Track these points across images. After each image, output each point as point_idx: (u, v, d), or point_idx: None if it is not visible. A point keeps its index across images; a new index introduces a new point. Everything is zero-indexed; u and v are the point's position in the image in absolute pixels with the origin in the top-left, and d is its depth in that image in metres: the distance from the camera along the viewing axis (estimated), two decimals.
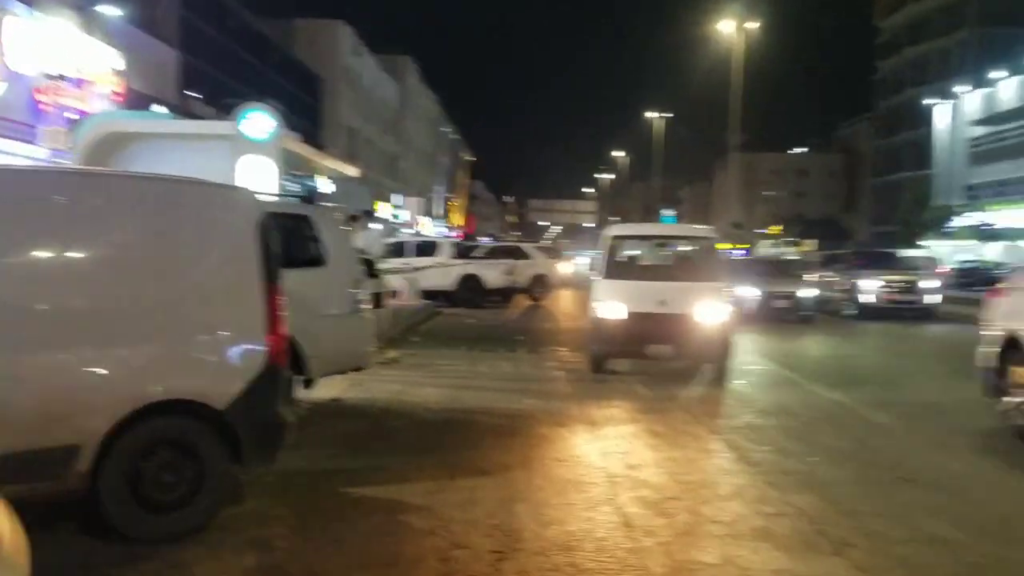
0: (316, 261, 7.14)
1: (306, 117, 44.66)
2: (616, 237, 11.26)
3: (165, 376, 4.39)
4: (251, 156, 10.00)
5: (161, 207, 4.51)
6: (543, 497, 5.32)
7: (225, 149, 10.55)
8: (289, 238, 7.36)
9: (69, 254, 4.27)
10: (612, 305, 10.23)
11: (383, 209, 51.09)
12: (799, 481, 5.81)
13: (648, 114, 68.38)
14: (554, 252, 29.26)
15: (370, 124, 59.81)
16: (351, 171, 18.26)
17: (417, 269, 21.24)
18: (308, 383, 7.20)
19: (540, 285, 24.94)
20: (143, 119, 12.76)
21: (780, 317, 18.02)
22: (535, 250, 26.56)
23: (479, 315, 19.88)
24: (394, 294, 20.16)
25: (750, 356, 12.44)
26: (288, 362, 4.84)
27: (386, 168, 65.22)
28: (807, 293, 18.77)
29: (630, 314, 10.11)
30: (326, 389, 8.39)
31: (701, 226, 12.08)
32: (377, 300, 8.12)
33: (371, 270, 8.25)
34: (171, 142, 11.73)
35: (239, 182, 9.98)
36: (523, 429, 7.23)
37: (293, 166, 14.23)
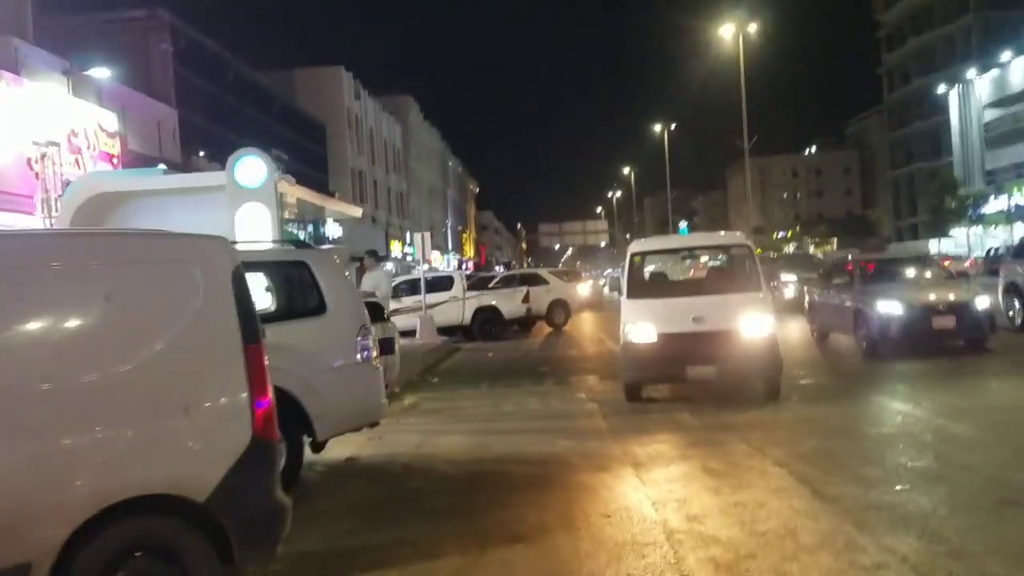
0: (317, 310, 6.44)
1: (312, 164, 44.56)
2: (638, 253, 10.48)
3: (130, 467, 3.65)
4: (248, 205, 9.39)
5: (114, 266, 3.82)
6: (594, 567, 4.50)
7: (221, 200, 9.95)
8: (287, 287, 6.70)
9: (3, 326, 3.57)
10: (642, 327, 9.44)
11: (396, 248, 50.81)
12: (890, 518, 4.95)
13: (655, 127, 67.70)
14: (572, 275, 28.50)
15: (376, 165, 59.75)
16: (355, 211, 17.71)
17: (431, 306, 20.54)
18: (318, 446, 6.44)
19: (560, 310, 24.15)
20: (132, 177, 12.20)
21: (942, 341, 12.02)
22: (552, 275, 25.80)
23: (499, 348, 19.12)
24: (415, 333, 19.50)
25: None
26: (279, 434, 4.09)
27: (396, 207, 65.06)
28: (983, 303, 12.17)
29: (662, 335, 9.31)
30: (341, 447, 7.63)
31: (732, 232, 11.23)
32: (387, 346, 7.38)
33: (378, 313, 7.53)
34: (164, 198, 11.17)
35: (237, 233, 9.37)
36: (560, 478, 6.42)
37: (295, 211, 13.64)
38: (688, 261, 11.67)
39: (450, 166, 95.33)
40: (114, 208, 11.09)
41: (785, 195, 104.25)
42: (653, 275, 11.22)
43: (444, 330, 21.07)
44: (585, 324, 26.39)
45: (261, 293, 7.52)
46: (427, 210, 75.95)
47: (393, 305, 21.71)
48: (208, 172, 12.29)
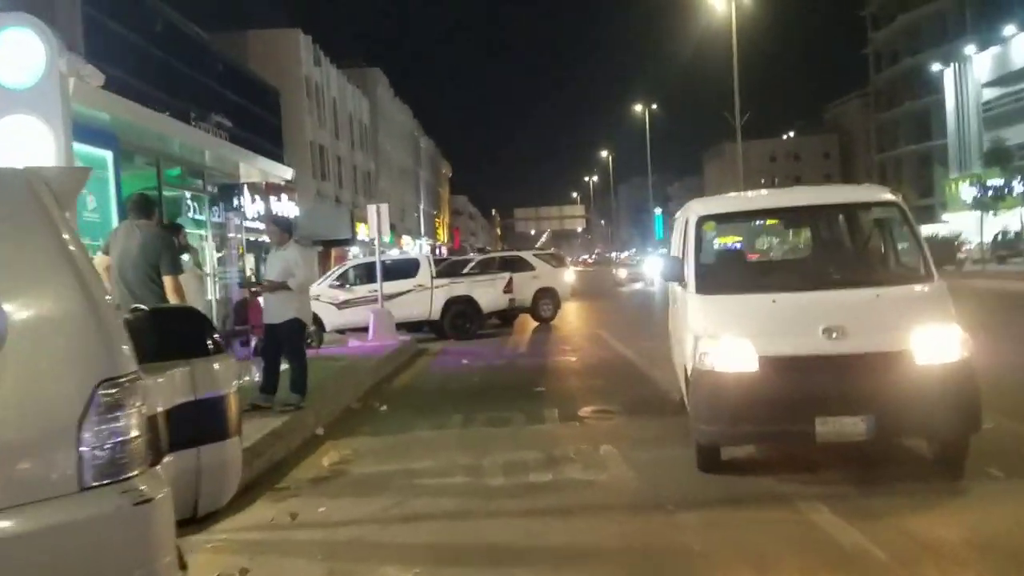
0: None
1: (264, 135, 39.82)
2: (709, 217, 6.31)
3: None
4: (10, 119, 5.08)
5: None
6: None
7: None
8: None
9: None
10: (731, 346, 5.31)
11: (363, 231, 46.41)
12: None
13: (634, 109, 64.27)
14: (559, 260, 24.36)
15: (340, 140, 54.92)
16: (283, 172, 13.37)
17: (391, 296, 16.28)
18: None
19: (547, 301, 20.04)
20: None
21: None
22: (537, 259, 21.61)
23: (476, 350, 14.93)
24: (368, 331, 15.30)
25: None
26: None
27: (362, 186, 60.32)
28: None
29: (769, 361, 5.21)
30: None
31: (868, 185, 7.03)
32: (204, 423, 2.96)
33: (188, 337, 3.12)
34: None
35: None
36: None
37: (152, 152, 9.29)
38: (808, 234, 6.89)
39: (422, 147, 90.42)
40: None
41: (763, 180, 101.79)
42: (733, 255, 7.07)
43: (408, 325, 16.89)
44: (574, 317, 22.33)
45: None
46: (397, 192, 71.14)
47: (343, 296, 17.46)
48: None
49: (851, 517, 4.59)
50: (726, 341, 5.35)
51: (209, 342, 2.92)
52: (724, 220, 6.67)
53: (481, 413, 8.55)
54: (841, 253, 6.36)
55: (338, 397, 9.42)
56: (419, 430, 7.96)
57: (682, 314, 6.15)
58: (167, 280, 5.85)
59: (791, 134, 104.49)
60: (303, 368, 7.91)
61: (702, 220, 6.18)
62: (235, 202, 12.74)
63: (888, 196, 5.99)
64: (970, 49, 57.24)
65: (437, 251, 70.40)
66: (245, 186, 20.34)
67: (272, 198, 27.95)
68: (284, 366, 8.05)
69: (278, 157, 36.30)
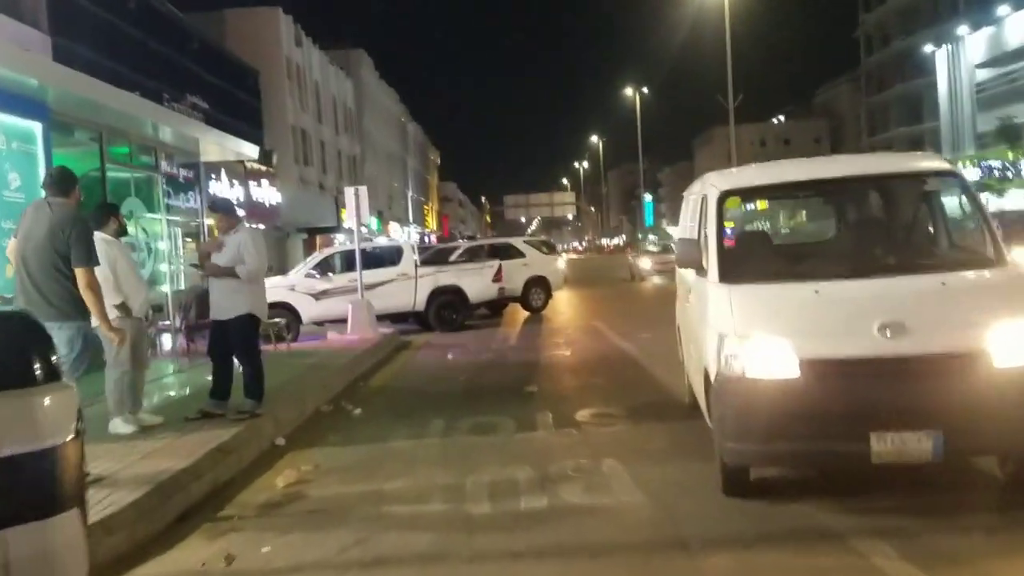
0: None
1: (245, 119, 38.55)
2: (733, 192, 5.32)
3: None
4: None
5: None
6: None
7: None
8: None
9: None
10: (765, 346, 4.36)
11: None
12: None
13: (625, 93, 63.30)
14: (550, 247, 23.33)
15: (323, 124, 53.52)
16: (248, 150, 12.25)
17: (372, 286, 15.26)
18: None
19: (539, 290, 19.03)
20: None
21: None
22: (528, 246, 20.58)
23: (462, 343, 13.96)
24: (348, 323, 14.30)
25: None
26: None
27: (348, 172, 59.00)
28: None
29: (812, 364, 4.26)
30: None
31: (921, 154, 6.04)
32: (34, 498, 1.82)
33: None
34: None
35: None
36: None
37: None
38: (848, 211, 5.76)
39: (409, 132, 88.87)
40: None
41: (754, 165, 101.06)
42: (764, 237, 6.11)
43: (391, 317, 15.93)
44: (566, 306, 21.38)
45: None
46: (384, 178, 69.78)
47: (321, 285, 16.42)
48: None
49: (926, 562, 3.65)
50: (759, 341, 4.39)
51: (36, 366, 1.92)
52: (751, 196, 5.70)
53: (466, 418, 7.58)
54: (892, 233, 5.37)
55: (306, 399, 8.43)
56: (395, 439, 6.98)
57: (700, 307, 5.18)
58: (79, 273, 4.83)
59: (781, 119, 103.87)
60: (258, 370, 6.90)
61: (724, 196, 5.20)
62: (204, 184, 11.67)
63: (945, 165, 5.03)
64: (963, 30, 56.44)
65: (426, 239, 69.14)
66: (222, 168, 19.06)
67: (252, 183, 26.54)
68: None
69: (258, 141, 35.04)
